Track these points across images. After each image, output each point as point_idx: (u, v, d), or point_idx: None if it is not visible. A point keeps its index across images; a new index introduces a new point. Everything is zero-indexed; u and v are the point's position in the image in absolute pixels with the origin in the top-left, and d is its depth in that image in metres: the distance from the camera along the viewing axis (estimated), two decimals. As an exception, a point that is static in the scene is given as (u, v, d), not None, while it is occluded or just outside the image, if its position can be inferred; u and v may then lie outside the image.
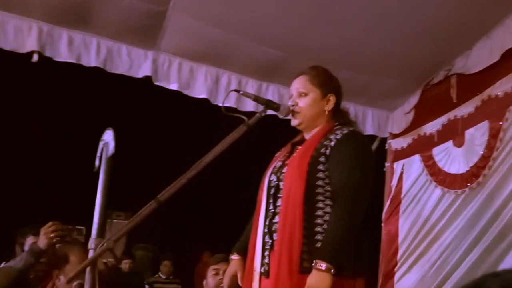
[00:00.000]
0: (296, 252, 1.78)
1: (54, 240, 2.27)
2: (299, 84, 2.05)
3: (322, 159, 1.89)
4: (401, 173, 3.85)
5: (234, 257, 2.12)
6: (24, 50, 3.00)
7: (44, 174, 6.18)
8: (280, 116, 2.04)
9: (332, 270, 1.72)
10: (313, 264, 1.74)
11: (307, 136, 2.06)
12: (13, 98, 5.40)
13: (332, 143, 1.90)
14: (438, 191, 3.40)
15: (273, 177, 1.99)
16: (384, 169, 4.05)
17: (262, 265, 1.91)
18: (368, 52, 3.27)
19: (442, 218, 3.30)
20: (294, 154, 1.99)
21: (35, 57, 3.01)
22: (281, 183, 1.92)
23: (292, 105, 2.01)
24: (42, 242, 2.29)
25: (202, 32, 3.17)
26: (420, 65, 3.46)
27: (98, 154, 1.72)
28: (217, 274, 2.87)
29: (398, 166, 3.92)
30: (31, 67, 3.10)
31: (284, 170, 1.94)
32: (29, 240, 2.82)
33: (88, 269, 1.60)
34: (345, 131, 1.94)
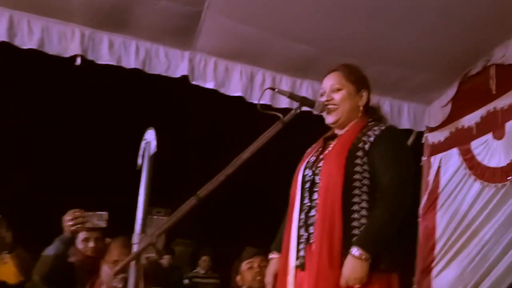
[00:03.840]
0: (337, 245, 1.81)
1: (73, 227, 2.34)
2: (333, 80, 2.07)
3: (360, 153, 1.91)
4: (439, 167, 3.79)
5: (274, 255, 2.14)
6: (68, 54, 3.14)
7: (89, 172, 6.42)
8: (315, 112, 2.06)
9: (368, 260, 1.75)
10: (350, 250, 1.77)
11: (340, 132, 2.07)
12: (58, 101, 5.63)
13: (371, 139, 1.92)
14: (477, 185, 3.34)
15: (308, 172, 2.01)
16: (421, 164, 3.99)
17: (297, 258, 1.94)
18: (403, 45, 3.24)
19: (482, 213, 3.24)
20: (330, 149, 2.01)
21: (78, 61, 3.15)
22: (316, 177, 1.94)
23: (327, 100, 2.03)
24: (65, 230, 2.40)
25: (236, 31, 3.23)
26: (457, 56, 3.39)
27: (141, 153, 1.79)
28: (251, 267, 2.92)
29: (435, 160, 3.86)
30: (73, 70, 3.24)
31: (320, 164, 1.96)
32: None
33: (132, 263, 1.68)
34: (383, 127, 1.96)
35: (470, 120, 3.53)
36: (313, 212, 1.92)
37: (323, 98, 2.06)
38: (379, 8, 2.93)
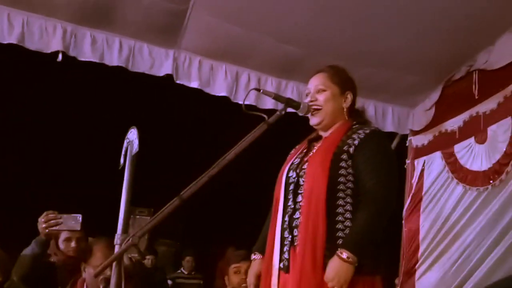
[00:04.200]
0: (320, 247, 1.80)
1: (47, 230, 2.30)
2: (318, 81, 2.07)
3: (344, 156, 1.91)
4: (422, 170, 3.82)
5: (256, 256, 2.14)
6: (49, 50, 3.06)
7: (71, 171, 6.32)
8: (300, 114, 2.05)
9: (355, 263, 1.74)
10: (337, 252, 1.76)
11: (324, 133, 2.07)
12: (37, 98, 5.52)
13: (356, 142, 1.92)
14: (459, 188, 3.37)
15: (292, 173, 2.00)
16: (405, 166, 4.03)
17: (281, 260, 1.93)
18: (388, 48, 3.25)
19: (464, 216, 3.27)
20: (314, 151, 2.01)
21: (60, 57, 3.08)
22: (301, 179, 1.94)
23: (311, 101, 2.03)
24: (40, 232, 2.36)
25: (221, 30, 3.20)
26: (441, 61, 3.42)
27: (123, 152, 1.76)
28: (238, 272, 2.89)
29: (419, 163, 3.90)
30: (55, 67, 3.18)
31: (305, 166, 1.95)
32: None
33: (114, 263, 1.64)
34: (368, 131, 1.97)
35: (453, 124, 3.57)
36: (297, 215, 1.91)
37: (308, 99, 2.05)
38: (366, 11, 2.94)
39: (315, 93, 2.05)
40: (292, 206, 1.94)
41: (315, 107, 2.02)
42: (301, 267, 1.81)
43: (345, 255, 1.75)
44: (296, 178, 1.96)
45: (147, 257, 5.60)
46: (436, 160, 3.69)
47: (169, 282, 5.99)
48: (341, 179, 1.88)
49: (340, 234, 1.83)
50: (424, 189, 3.75)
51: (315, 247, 1.80)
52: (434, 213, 3.58)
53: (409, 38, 3.13)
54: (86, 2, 2.98)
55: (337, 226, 1.84)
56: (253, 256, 2.15)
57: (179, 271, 6.32)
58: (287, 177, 2.01)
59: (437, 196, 3.60)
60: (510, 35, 3.01)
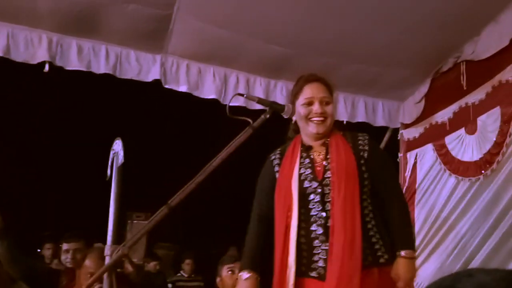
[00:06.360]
0: (358, 250, 1.89)
1: None
2: (323, 92, 2.09)
3: (362, 161, 2.03)
4: (415, 163, 3.84)
5: (246, 274, 2.03)
6: (35, 61, 3.06)
7: (62, 183, 6.31)
8: (285, 117, 2.05)
9: (415, 258, 1.96)
10: (400, 253, 1.92)
11: (314, 143, 2.09)
12: (25, 109, 5.50)
13: (366, 147, 2.06)
14: (452, 179, 3.39)
15: (311, 183, 2.00)
16: (398, 160, 4.04)
17: (312, 269, 1.94)
18: (375, 43, 3.25)
19: (458, 207, 3.29)
20: (333, 158, 2.01)
21: (47, 67, 3.07)
22: (326, 188, 1.97)
23: (322, 113, 2.05)
24: None
25: (208, 33, 3.20)
26: (429, 54, 3.43)
27: (109, 163, 1.76)
28: (232, 273, 2.88)
29: (411, 156, 3.91)
30: (42, 78, 3.17)
31: (327, 175, 1.98)
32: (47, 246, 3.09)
33: (105, 274, 1.64)
34: (367, 137, 2.11)
35: (443, 115, 3.58)
36: (330, 222, 1.94)
37: (316, 107, 2.03)
38: (351, 8, 2.94)
39: (322, 104, 2.06)
40: (324, 215, 1.96)
41: (321, 118, 2.05)
42: (340, 273, 1.85)
43: (406, 253, 1.92)
44: (320, 188, 1.98)
45: (153, 263, 5.61)
46: (428, 153, 3.70)
47: (169, 285, 5.99)
48: (365, 182, 2.01)
49: (371, 233, 1.97)
50: (418, 182, 3.77)
51: (354, 251, 1.88)
52: (428, 205, 3.60)
53: (396, 33, 3.13)
54: (70, 11, 2.97)
55: (368, 226, 1.97)
56: (245, 275, 2.03)
57: (179, 274, 6.29)
58: (303, 188, 2.01)
59: (430, 188, 3.62)
60: (496, 25, 3.02)
